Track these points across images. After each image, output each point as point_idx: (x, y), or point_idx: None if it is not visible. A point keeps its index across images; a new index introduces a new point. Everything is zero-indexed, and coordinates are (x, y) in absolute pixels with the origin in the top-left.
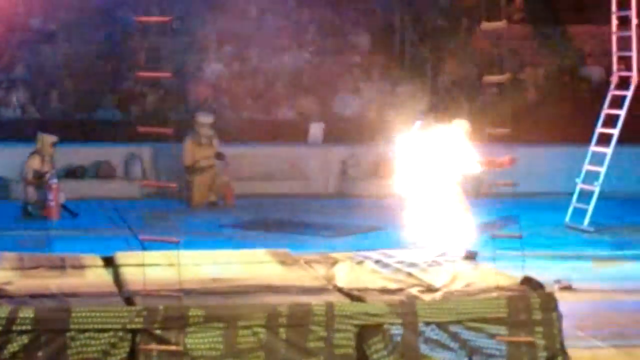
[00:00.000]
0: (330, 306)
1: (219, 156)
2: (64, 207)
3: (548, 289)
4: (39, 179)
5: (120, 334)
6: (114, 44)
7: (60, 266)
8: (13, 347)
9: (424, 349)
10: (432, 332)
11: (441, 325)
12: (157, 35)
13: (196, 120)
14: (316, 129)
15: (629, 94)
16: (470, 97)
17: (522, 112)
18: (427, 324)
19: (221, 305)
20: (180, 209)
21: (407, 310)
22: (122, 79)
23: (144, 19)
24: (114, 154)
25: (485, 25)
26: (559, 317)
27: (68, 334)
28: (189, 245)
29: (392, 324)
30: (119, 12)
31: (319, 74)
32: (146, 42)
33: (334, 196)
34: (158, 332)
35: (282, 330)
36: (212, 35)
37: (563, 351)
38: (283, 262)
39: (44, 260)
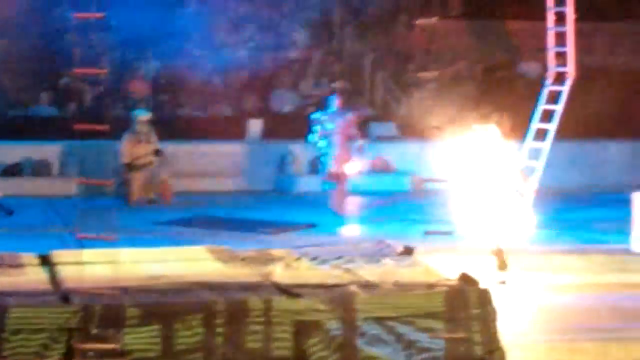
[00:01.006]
0: (268, 302)
1: (158, 153)
2: None
3: (484, 285)
4: None
5: (56, 333)
6: (50, 40)
7: None
8: None
9: (361, 344)
10: (369, 328)
11: (379, 321)
12: (94, 32)
13: (134, 117)
14: (254, 126)
15: (565, 89)
16: (408, 92)
17: (461, 107)
18: (365, 319)
19: (158, 303)
20: (118, 207)
21: (345, 306)
22: (59, 75)
23: (80, 15)
24: (50, 151)
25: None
26: (495, 313)
27: (3, 334)
28: (127, 242)
29: (330, 319)
30: (55, 9)
31: (257, 70)
32: (83, 39)
33: (272, 193)
34: (95, 331)
35: (220, 327)
36: (149, 31)
37: (499, 347)
38: (221, 259)
39: None
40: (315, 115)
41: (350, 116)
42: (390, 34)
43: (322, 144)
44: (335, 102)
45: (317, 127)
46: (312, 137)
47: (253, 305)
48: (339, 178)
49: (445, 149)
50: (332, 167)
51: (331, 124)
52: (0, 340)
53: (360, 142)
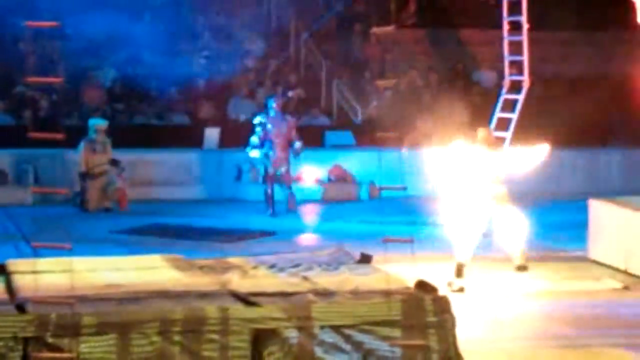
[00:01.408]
0: (224, 311)
1: (114, 163)
2: None
3: (441, 292)
4: None
5: (12, 342)
6: (4, 48)
7: None
8: None
9: (319, 352)
10: (327, 336)
11: (336, 329)
12: (49, 40)
13: (91, 126)
14: (211, 134)
15: (521, 97)
16: (364, 101)
17: (416, 115)
18: (322, 327)
19: (114, 312)
20: (73, 215)
21: (303, 314)
22: (13, 83)
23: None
24: (5, 159)
25: (377, 29)
26: (453, 320)
27: None
28: (83, 251)
29: (287, 327)
30: (9, 17)
31: (213, 79)
32: (37, 47)
33: (229, 201)
34: (50, 340)
35: (176, 336)
36: (105, 39)
37: (457, 354)
38: (177, 267)
39: None
40: (257, 119)
41: (290, 119)
42: (346, 42)
43: (254, 153)
44: (274, 105)
45: (259, 130)
46: (252, 142)
47: (210, 314)
48: (281, 180)
49: (403, 156)
50: (271, 169)
51: (271, 126)
52: None
53: (298, 144)
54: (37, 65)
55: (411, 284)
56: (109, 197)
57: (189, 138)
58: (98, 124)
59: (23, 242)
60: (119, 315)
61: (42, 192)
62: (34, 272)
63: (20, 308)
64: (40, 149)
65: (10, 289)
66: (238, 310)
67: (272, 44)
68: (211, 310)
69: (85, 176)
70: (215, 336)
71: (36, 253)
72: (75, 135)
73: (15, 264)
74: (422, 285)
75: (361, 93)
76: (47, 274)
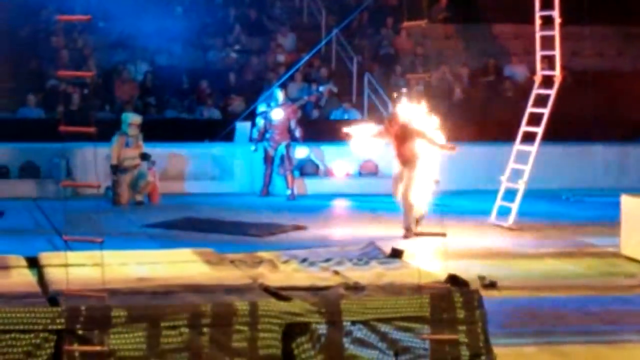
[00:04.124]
0: (254, 305)
1: (145, 156)
2: None
3: (472, 287)
4: None
5: (44, 334)
6: (37, 42)
7: None
8: None
9: (349, 347)
10: (357, 331)
11: (366, 324)
12: (81, 34)
13: (125, 119)
14: (242, 128)
15: (553, 92)
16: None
17: (447, 110)
18: (353, 322)
19: (144, 305)
20: (105, 209)
21: (333, 309)
22: (46, 77)
23: (65, 17)
24: (37, 153)
25: (408, 24)
26: (484, 315)
27: None
28: (114, 245)
29: (317, 322)
30: (42, 11)
31: (244, 72)
32: (69, 41)
33: (261, 195)
34: (81, 332)
35: (206, 330)
36: (137, 33)
37: (488, 349)
38: (208, 262)
39: None
40: (260, 108)
41: (290, 105)
42: (377, 36)
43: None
44: (280, 95)
45: (261, 120)
46: (254, 132)
47: (240, 308)
48: (281, 163)
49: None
50: (270, 151)
51: (275, 115)
52: None
53: (299, 131)
54: (69, 59)
55: (442, 278)
56: (140, 190)
57: (220, 132)
58: (132, 118)
59: (55, 235)
60: (149, 308)
61: (74, 186)
62: (66, 265)
63: (53, 301)
64: (72, 142)
65: (42, 281)
66: (268, 304)
67: (303, 38)
68: (241, 303)
69: (116, 169)
70: (244, 329)
71: (68, 246)
72: (107, 129)
73: (48, 257)
74: (453, 280)
75: (392, 87)
76: (78, 267)
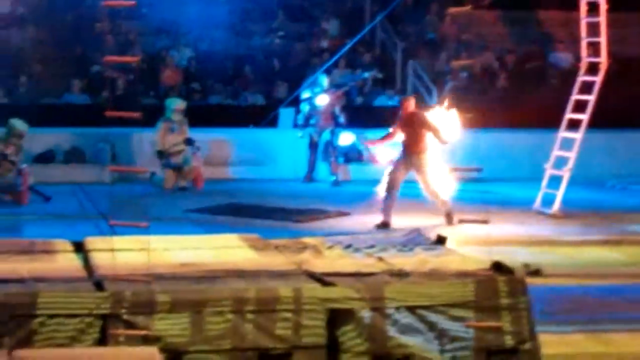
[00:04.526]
0: (298, 291)
1: (189, 142)
2: (35, 190)
3: (517, 274)
4: (6, 164)
5: (89, 319)
6: (82, 28)
7: (30, 251)
8: None
9: (393, 332)
10: (401, 316)
11: (411, 309)
12: (126, 19)
13: (169, 105)
14: (286, 114)
15: (598, 79)
16: (440, 81)
17: (492, 97)
18: (397, 308)
19: (189, 290)
20: (149, 194)
21: (377, 295)
22: (91, 63)
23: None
24: (82, 138)
25: (453, 9)
26: (529, 302)
27: (36, 319)
28: (159, 230)
29: (362, 308)
30: None
31: (288, 58)
32: (114, 26)
33: (305, 180)
34: (126, 317)
35: (250, 315)
36: (181, 19)
37: (532, 336)
38: (253, 247)
39: (14, 245)
40: (305, 94)
41: (334, 91)
42: (422, 22)
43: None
44: (324, 81)
45: (305, 105)
46: (299, 118)
47: (284, 293)
48: (326, 149)
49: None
50: (315, 136)
51: (319, 101)
52: (34, 324)
53: (343, 118)
54: (114, 44)
55: (487, 265)
56: (185, 176)
57: (264, 118)
58: (176, 103)
59: (101, 220)
60: (193, 293)
61: (121, 171)
62: (112, 250)
63: (98, 285)
64: (117, 128)
65: (88, 266)
66: (312, 289)
67: (347, 23)
68: (285, 289)
69: (162, 155)
70: (289, 315)
71: (113, 231)
72: (152, 115)
73: (93, 242)
74: (497, 267)
75: (436, 74)
76: (124, 252)
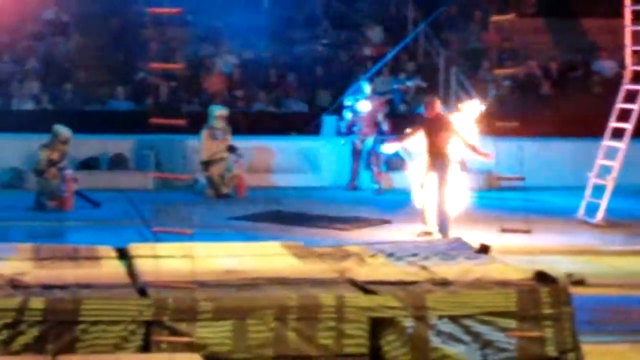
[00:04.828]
0: (341, 299)
1: (232, 149)
2: (82, 196)
3: (560, 283)
4: (50, 170)
5: (133, 325)
6: (126, 35)
7: (74, 257)
8: (24, 338)
9: (436, 341)
10: (444, 326)
11: (454, 319)
12: (170, 27)
13: (211, 112)
14: (329, 121)
15: None
16: (483, 90)
17: (535, 105)
18: (440, 317)
19: (231, 298)
20: (192, 201)
21: (419, 304)
22: (135, 70)
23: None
24: (127, 145)
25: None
26: (572, 312)
27: (80, 326)
28: (202, 237)
29: (405, 317)
30: (131, 4)
31: (331, 66)
32: (158, 33)
33: (347, 189)
34: (169, 324)
35: (292, 322)
36: (224, 26)
37: (576, 346)
38: (296, 255)
39: (58, 251)
40: (347, 101)
41: (377, 99)
42: (465, 31)
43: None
44: (367, 88)
45: (348, 113)
46: (342, 124)
47: (326, 301)
48: (368, 157)
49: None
50: (358, 144)
51: (362, 108)
52: (77, 330)
53: (386, 125)
54: (158, 51)
55: (530, 274)
56: (227, 183)
57: (307, 125)
58: (219, 111)
59: (144, 226)
60: (236, 300)
61: (164, 178)
62: (155, 257)
63: (142, 292)
64: (161, 134)
65: (131, 272)
66: (355, 298)
67: (391, 31)
68: (328, 297)
69: (207, 165)
70: (332, 323)
71: (157, 238)
72: (195, 122)
73: (137, 248)
74: (540, 277)
75: (479, 82)
76: (167, 259)
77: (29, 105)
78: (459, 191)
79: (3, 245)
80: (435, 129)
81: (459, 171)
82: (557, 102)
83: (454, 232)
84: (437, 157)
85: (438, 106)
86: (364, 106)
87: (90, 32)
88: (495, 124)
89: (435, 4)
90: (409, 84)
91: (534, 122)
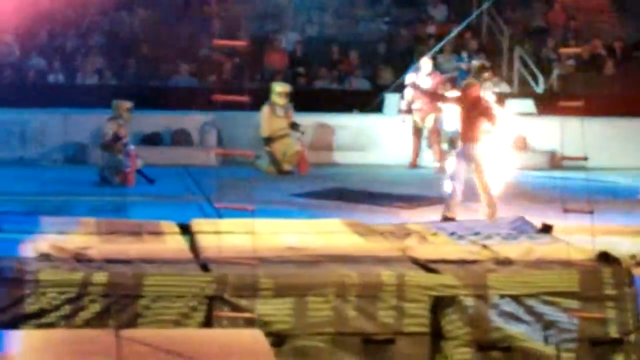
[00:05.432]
0: (402, 276)
1: (294, 126)
2: (140, 173)
3: (623, 265)
4: (116, 145)
5: (194, 301)
6: (190, 11)
7: (137, 232)
8: (86, 313)
9: (498, 321)
10: (506, 305)
11: (514, 298)
12: (233, 3)
13: (273, 89)
14: (391, 100)
15: None
16: (546, 69)
17: (599, 85)
18: (502, 296)
19: (292, 274)
20: (254, 177)
21: (481, 282)
22: (198, 46)
23: None
24: (189, 121)
25: None
26: (634, 293)
27: (142, 301)
28: (263, 213)
29: (466, 296)
30: None
31: (394, 44)
32: (222, 10)
33: (408, 167)
34: (231, 299)
35: (353, 299)
36: (287, 3)
37: (638, 327)
38: (358, 233)
39: (122, 225)
40: (408, 78)
41: (439, 76)
42: (529, 9)
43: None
44: (428, 64)
45: (409, 90)
46: (403, 104)
47: (387, 280)
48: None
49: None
50: (418, 122)
51: (423, 84)
52: (140, 304)
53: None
54: (221, 28)
55: (592, 255)
56: (289, 160)
57: (369, 103)
58: (281, 87)
59: (206, 202)
60: (296, 277)
61: (227, 154)
62: (217, 233)
63: (204, 267)
64: (223, 111)
65: (194, 248)
66: (416, 276)
67: (454, 9)
68: (389, 275)
69: (268, 141)
70: (393, 301)
71: (219, 214)
72: (257, 99)
73: (199, 224)
74: (603, 257)
75: (543, 61)
76: (229, 235)
77: (93, 80)
78: (501, 171)
79: (67, 219)
80: (472, 112)
81: (514, 151)
82: (621, 81)
83: (515, 211)
84: (469, 142)
85: (477, 90)
86: (425, 83)
87: (154, 7)
88: (559, 103)
89: None
90: (474, 62)
91: (598, 102)
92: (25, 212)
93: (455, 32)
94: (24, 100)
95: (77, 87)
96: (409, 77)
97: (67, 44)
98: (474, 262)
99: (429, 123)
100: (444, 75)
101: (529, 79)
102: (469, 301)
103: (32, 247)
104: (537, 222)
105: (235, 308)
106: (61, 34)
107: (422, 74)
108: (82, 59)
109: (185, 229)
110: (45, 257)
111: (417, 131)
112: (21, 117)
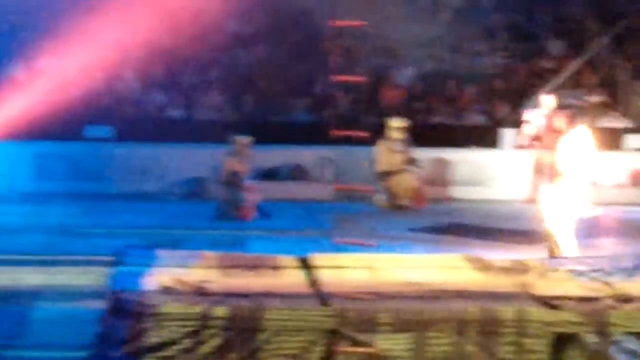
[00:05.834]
0: (522, 313)
1: (412, 161)
2: (259, 207)
3: None
4: (235, 180)
5: (314, 335)
6: (308, 47)
7: (257, 266)
8: (207, 346)
9: (619, 358)
10: (627, 342)
11: (638, 336)
12: (350, 39)
13: (390, 125)
14: (508, 134)
15: None
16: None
17: None
18: (624, 334)
19: (412, 310)
20: (370, 212)
21: (603, 320)
22: (314, 81)
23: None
24: (306, 156)
25: None
26: None
27: (262, 335)
28: (381, 248)
29: (587, 333)
30: (313, 16)
31: (510, 78)
32: (340, 46)
33: (526, 202)
34: (350, 334)
35: (473, 336)
36: (404, 39)
37: None
38: (477, 268)
39: (242, 259)
40: (527, 114)
41: (560, 113)
42: None
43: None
44: (547, 101)
45: (528, 125)
46: (523, 138)
47: (507, 315)
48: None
49: None
50: (537, 159)
51: (541, 121)
52: (261, 340)
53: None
54: (338, 64)
55: None
56: (406, 195)
57: (485, 138)
58: (397, 122)
59: (323, 237)
60: (416, 313)
61: (347, 190)
62: (337, 267)
63: (324, 302)
64: (339, 146)
65: (313, 282)
66: (537, 312)
67: (571, 44)
68: (509, 311)
69: (384, 175)
70: (513, 338)
71: (337, 248)
72: (373, 134)
73: (318, 258)
74: None
75: None
76: (348, 270)
77: (211, 115)
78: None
79: (188, 253)
80: (567, 147)
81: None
82: None
83: (636, 248)
84: (556, 176)
85: (567, 121)
86: (544, 119)
87: (272, 43)
88: None
89: (618, 16)
90: (589, 98)
91: None
92: (146, 245)
93: (573, 67)
94: (144, 134)
95: (196, 122)
96: (529, 113)
97: (187, 79)
98: (595, 299)
99: (548, 159)
100: (564, 112)
101: None
102: (590, 338)
103: (154, 281)
104: None
105: (355, 343)
106: (181, 69)
107: (541, 109)
108: (201, 94)
109: (304, 263)
110: (166, 290)
111: (538, 166)
112: (141, 151)
